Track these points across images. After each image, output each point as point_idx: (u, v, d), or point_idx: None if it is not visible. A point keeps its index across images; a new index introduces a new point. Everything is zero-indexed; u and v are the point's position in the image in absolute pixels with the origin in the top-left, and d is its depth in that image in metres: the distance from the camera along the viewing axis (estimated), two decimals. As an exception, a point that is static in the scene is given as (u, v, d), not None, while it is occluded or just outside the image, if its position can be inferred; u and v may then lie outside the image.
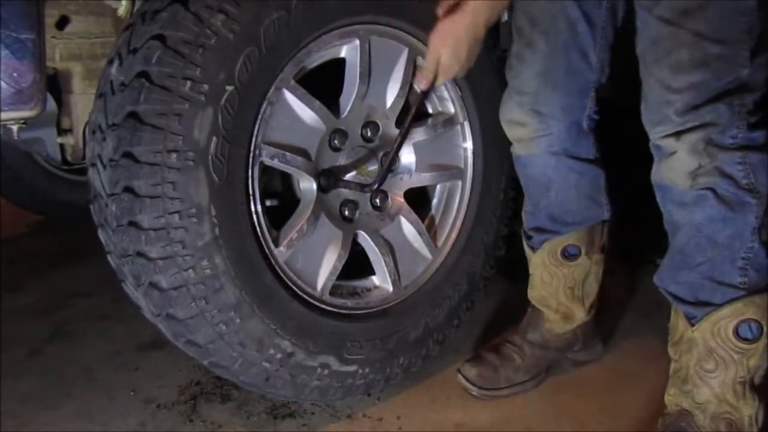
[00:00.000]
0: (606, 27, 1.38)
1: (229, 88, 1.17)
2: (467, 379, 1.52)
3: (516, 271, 2.12)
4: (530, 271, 1.58)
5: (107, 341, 1.83)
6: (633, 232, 2.06)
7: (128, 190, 1.15)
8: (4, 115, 1.20)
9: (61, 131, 1.81)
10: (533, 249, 1.55)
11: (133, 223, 1.16)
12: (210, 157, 1.17)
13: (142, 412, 1.51)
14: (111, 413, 1.51)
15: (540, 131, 1.42)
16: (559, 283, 1.53)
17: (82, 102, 1.72)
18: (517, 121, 1.44)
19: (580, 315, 1.57)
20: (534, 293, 1.59)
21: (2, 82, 1.16)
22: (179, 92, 1.13)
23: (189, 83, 1.14)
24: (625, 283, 2.09)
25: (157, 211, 1.15)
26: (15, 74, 1.17)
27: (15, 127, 1.34)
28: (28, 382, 1.64)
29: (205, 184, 1.17)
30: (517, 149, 1.49)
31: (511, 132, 1.47)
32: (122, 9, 1.43)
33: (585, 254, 1.52)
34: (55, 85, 1.70)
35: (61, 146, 1.85)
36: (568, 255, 1.52)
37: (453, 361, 1.63)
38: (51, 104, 1.69)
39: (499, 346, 1.59)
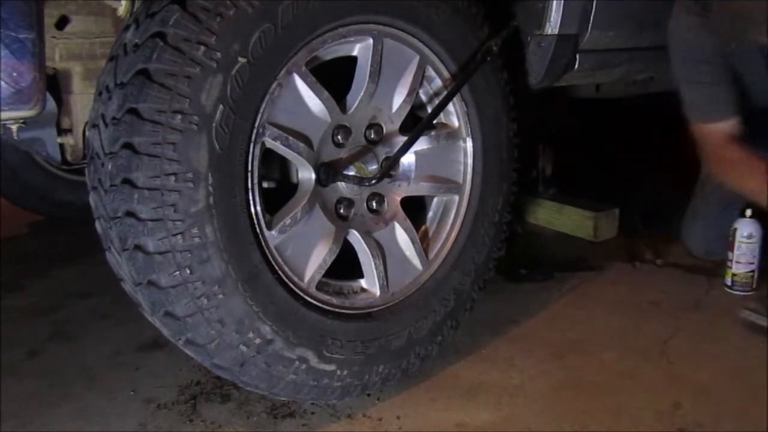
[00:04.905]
0: None
1: (242, 59, 1.18)
2: (754, 311, 1.79)
3: (516, 271, 2.12)
4: None
5: (107, 341, 1.80)
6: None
7: (128, 146, 1.14)
8: (4, 115, 1.19)
9: (61, 131, 1.81)
10: None
11: (127, 181, 1.14)
12: (214, 125, 1.16)
13: (142, 412, 1.48)
14: (111, 413, 1.48)
15: None
16: None
17: (81, 102, 1.72)
18: None
19: None
20: None
21: (2, 82, 1.14)
22: (192, 56, 1.14)
23: (203, 48, 1.14)
24: (623, 284, 2.09)
25: (153, 170, 1.13)
26: (15, 74, 1.15)
27: (15, 127, 1.33)
28: (28, 382, 1.61)
29: (206, 151, 1.16)
30: None
31: None
32: (122, 9, 1.43)
33: None
34: (55, 85, 1.70)
35: (61, 146, 1.84)
36: None
37: (453, 361, 1.65)
38: (51, 104, 1.69)
39: None
